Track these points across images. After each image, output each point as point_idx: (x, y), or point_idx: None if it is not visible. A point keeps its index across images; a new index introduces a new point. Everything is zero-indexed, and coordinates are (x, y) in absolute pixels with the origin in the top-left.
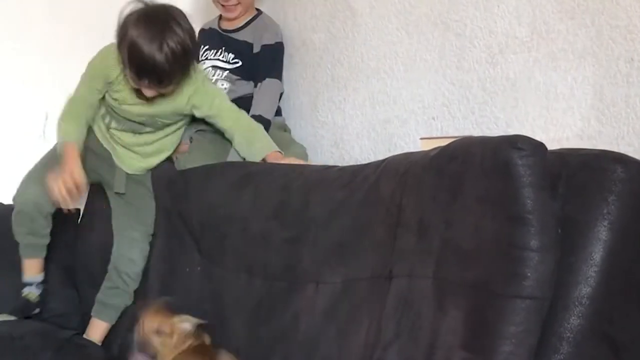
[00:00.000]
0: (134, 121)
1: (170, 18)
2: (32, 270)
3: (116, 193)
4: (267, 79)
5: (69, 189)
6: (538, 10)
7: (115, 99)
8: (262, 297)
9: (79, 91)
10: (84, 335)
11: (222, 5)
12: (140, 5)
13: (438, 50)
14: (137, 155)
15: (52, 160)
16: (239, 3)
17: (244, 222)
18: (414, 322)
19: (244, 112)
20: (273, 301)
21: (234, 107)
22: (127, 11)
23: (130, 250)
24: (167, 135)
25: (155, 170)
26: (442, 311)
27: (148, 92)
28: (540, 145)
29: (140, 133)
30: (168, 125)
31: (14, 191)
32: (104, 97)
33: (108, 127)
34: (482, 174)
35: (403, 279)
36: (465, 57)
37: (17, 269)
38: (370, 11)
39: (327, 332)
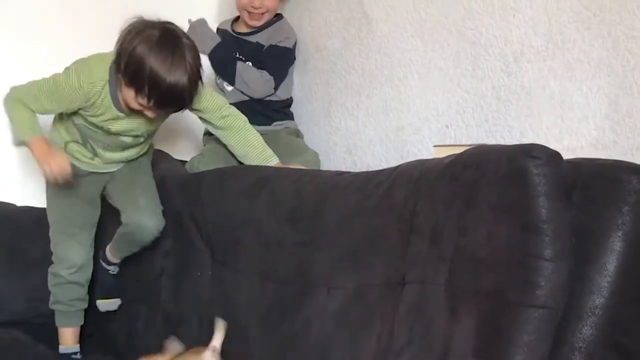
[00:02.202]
0: (126, 138)
1: (179, 35)
2: (71, 340)
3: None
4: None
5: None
6: (554, 20)
7: (97, 125)
8: (274, 301)
9: (48, 101)
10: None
11: (249, 13)
12: (140, 27)
13: (453, 58)
14: (123, 162)
15: (68, 214)
16: (267, 12)
17: (258, 226)
18: (426, 329)
19: (238, 115)
20: (285, 305)
21: (228, 106)
22: (128, 36)
23: (141, 217)
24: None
25: (166, 173)
26: (455, 318)
27: (151, 114)
28: (556, 155)
29: (128, 147)
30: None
31: (27, 194)
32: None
33: (94, 155)
34: (496, 182)
35: (416, 286)
36: (480, 65)
37: (27, 270)
38: (386, 18)
39: (339, 337)
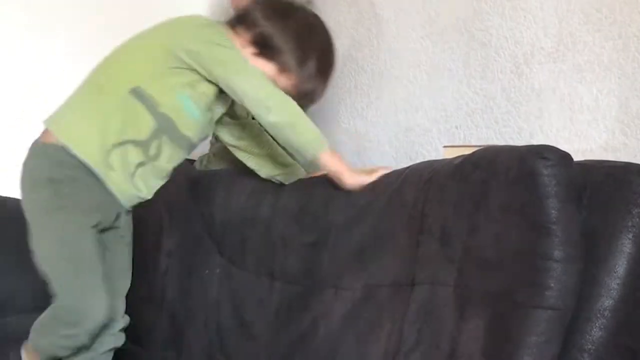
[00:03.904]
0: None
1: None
2: None
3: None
4: None
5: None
6: (565, 21)
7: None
8: (282, 300)
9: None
10: None
11: None
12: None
13: (462, 59)
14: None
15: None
16: None
17: (266, 225)
18: (435, 330)
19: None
20: (292, 305)
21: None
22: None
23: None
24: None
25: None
26: (464, 319)
27: None
28: (566, 156)
29: (188, 146)
30: None
31: None
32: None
33: (147, 160)
34: (506, 183)
35: (425, 287)
36: (490, 66)
37: (35, 265)
38: (395, 19)
39: (346, 337)
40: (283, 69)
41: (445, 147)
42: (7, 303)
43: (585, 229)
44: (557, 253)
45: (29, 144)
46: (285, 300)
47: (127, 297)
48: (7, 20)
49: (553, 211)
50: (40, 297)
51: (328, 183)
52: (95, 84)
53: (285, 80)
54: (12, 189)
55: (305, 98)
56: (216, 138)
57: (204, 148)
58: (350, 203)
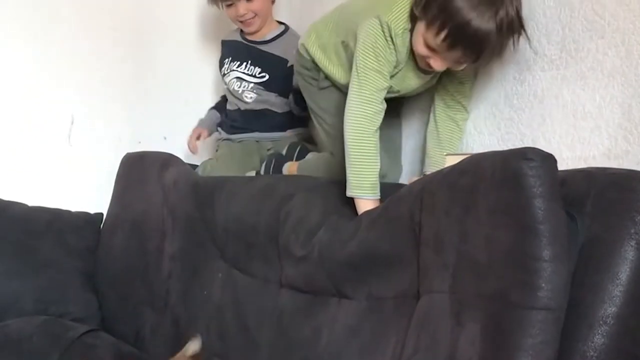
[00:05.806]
0: None
1: None
2: None
3: None
4: None
5: None
6: (567, 28)
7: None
8: (285, 307)
9: (373, 98)
10: None
11: (241, 22)
12: None
13: None
14: None
15: None
16: (255, 16)
17: (269, 232)
18: (432, 337)
19: None
20: (295, 312)
21: None
22: None
23: None
24: None
25: (177, 176)
26: (460, 325)
27: (438, 62)
28: (550, 156)
29: None
30: None
31: (39, 194)
32: None
33: None
34: (493, 186)
35: (426, 297)
36: (493, 73)
37: (37, 270)
38: None
39: (350, 348)
40: (429, 23)
41: (447, 155)
42: (9, 306)
43: (589, 235)
44: (546, 253)
45: (29, 146)
46: (289, 307)
47: (128, 301)
48: (7, 21)
49: (539, 211)
50: (42, 301)
51: (329, 193)
52: None
53: (433, 36)
54: (14, 194)
55: (466, 40)
56: None
57: (208, 154)
58: (351, 212)
